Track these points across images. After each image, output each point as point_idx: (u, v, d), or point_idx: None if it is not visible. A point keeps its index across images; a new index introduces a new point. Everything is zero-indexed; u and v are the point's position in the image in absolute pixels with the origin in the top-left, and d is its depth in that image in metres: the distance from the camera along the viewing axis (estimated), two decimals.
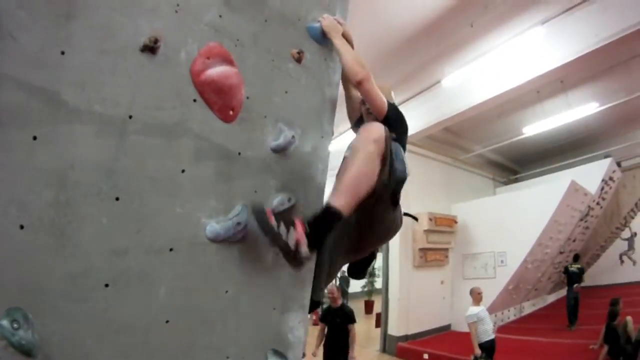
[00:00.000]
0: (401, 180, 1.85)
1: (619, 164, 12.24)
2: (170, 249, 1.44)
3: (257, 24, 1.90)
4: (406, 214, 2.23)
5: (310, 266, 1.94)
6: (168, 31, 1.53)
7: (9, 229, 1.13)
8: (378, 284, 15.44)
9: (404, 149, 2.20)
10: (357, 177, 1.67)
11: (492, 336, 6.35)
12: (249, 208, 1.64)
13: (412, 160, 9.62)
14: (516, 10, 6.63)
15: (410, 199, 10.04)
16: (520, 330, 9.89)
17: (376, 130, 1.74)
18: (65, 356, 1.19)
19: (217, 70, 1.63)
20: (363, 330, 12.81)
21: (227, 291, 1.60)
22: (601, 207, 11.58)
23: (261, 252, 1.75)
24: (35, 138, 1.19)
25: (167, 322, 1.41)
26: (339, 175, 1.75)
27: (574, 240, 11.44)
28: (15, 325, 1.09)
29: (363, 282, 17.47)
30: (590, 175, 10.43)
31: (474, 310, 6.47)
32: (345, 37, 2.25)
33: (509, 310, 11.33)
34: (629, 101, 8.77)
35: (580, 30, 6.14)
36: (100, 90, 1.34)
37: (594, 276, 14.62)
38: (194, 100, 1.57)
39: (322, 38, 2.22)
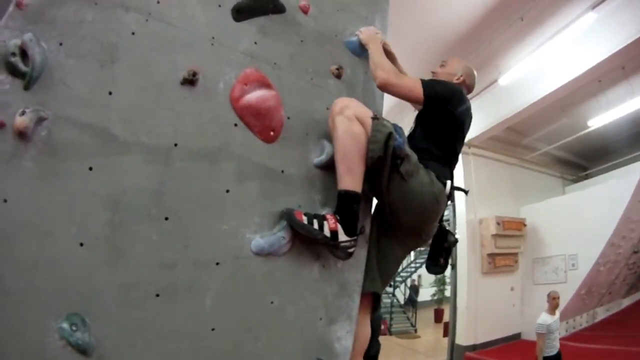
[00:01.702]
0: (396, 149, 1.77)
1: None
2: (217, 263, 1.57)
3: (293, 46, 2.02)
4: (457, 188, 2.19)
5: (357, 276, 2.00)
6: (205, 63, 1.70)
7: (70, 246, 1.33)
8: (448, 292, 15.18)
9: (458, 124, 2.16)
10: (343, 153, 1.76)
11: (556, 349, 5.84)
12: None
13: (477, 163, 9.57)
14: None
15: (476, 203, 9.86)
16: (593, 339, 9.29)
17: (335, 105, 1.83)
18: (117, 357, 1.35)
19: (255, 95, 1.76)
20: (431, 339, 12.67)
21: (272, 302, 1.70)
22: None
23: (307, 265, 1.83)
24: (90, 168, 1.40)
25: (212, 329, 1.53)
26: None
27: None
28: (74, 328, 1.28)
29: (433, 290, 17.22)
30: None
31: (546, 319, 5.81)
32: (384, 46, 2.30)
33: (581, 317, 10.70)
34: None
35: (634, 11, 5.86)
36: (146, 123, 1.53)
37: None
38: (235, 125, 1.71)
39: (361, 51, 2.27)
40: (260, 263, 1.67)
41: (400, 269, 18.03)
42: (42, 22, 1.40)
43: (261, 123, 1.77)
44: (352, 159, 1.75)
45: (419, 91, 2.07)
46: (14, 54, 1.32)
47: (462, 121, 2.18)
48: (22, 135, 1.30)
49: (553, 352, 5.75)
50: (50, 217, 1.31)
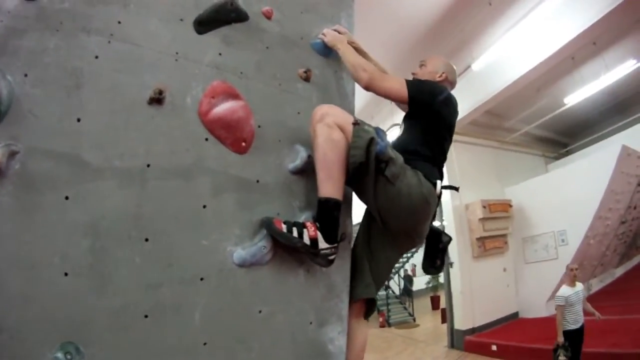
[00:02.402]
0: (379, 153, 1.77)
1: None
2: (201, 278, 1.58)
3: (258, 53, 2.02)
4: (447, 187, 2.21)
5: (344, 276, 2.03)
6: (171, 80, 1.69)
7: (55, 277, 1.32)
8: (442, 278, 15.30)
9: (446, 123, 2.19)
10: (323, 160, 1.76)
11: (578, 325, 5.59)
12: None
13: (459, 149, 9.65)
14: None
15: (461, 189, 9.87)
16: (589, 311, 9.51)
17: (315, 114, 1.83)
18: None
19: (223, 108, 1.76)
20: (430, 327, 12.77)
21: (260, 311, 1.71)
22: None
23: (292, 271, 1.85)
24: (67, 198, 1.39)
25: (204, 344, 1.54)
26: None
27: (635, 208, 10.83)
28: (69, 357, 1.29)
29: (427, 278, 17.34)
30: None
31: (564, 291, 5.69)
32: (353, 45, 2.32)
33: None
34: None
35: None
36: (117, 147, 1.52)
37: None
38: (206, 139, 1.71)
39: (329, 51, 2.28)
40: (244, 274, 1.68)
41: None
42: (5, 54, 1.39)
43: (232, 135, 1.77)
44: (332, 166, 1.76)
45: (404, 92, 2.08)
46: None
47: (449, 120, 2.20)
48: None
49: (576, 325, 5.58)
50: (33, 250, 1.31)
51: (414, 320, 14.33)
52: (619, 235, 10.87)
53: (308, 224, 1.74)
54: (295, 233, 1.70)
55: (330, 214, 1.75)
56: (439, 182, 2.00)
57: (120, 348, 1.38)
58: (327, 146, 1.75)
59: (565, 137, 14.67)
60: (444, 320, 10.53)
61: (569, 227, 9.47)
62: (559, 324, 5.56)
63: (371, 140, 1.75)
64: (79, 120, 1.47)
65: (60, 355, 1.28)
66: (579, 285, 5.74)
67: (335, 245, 1.78)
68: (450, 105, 2.21)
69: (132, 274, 1.44)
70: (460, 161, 10.16)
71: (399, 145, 2.12)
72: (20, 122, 1.37)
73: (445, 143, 2.19)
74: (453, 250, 9.70)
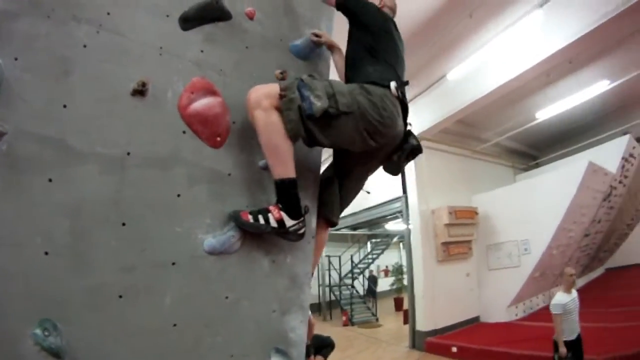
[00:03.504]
0: (310, 115, 1.82)
1: (638, 140, 12.04)
2: (173, 263, 1.66)
3: (238, 52, 2.11)
4: (404, 83, 2.24)
5: (305, 269, 2.15)
6: (155, 73, 1.76)
7: (35, 256, 1.38)
8: (406, 280, 15.56)
9: (380, 26, 2.30)
10: (268, 145, 1.82)
11: (575, 335, 5.33)
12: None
13: (428, 156, 9.86)
14: None
15: (429, 194, 10.18)
16: (550, 317, 9.77)
17: (249, 100, 1.83)
18: (88, 357, 1.43)
19: (201, 103, 1.85)
20: (393, 327, 13.00)
21: (227, 297, 1.81)
22: (624, 186, 11.32)
23: (258, 260, 1.95)
24: (50, 180, 1.45)
25: (174, 325, 1.63)
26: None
27: (599, 222, 11.27)
28: (46, 333, 1.34)
29: (391, 280, 17.65)
30: (609, 154, 10.22)
31: (561, 298, 5.39)
32: (332, 46, 2.46)
33: (537, 298, 11.30)
34: None
35: (581, 8, 6.17)
36: (101, 134, 1.59)
37: (624, 256, 14.40)
38: (184, 132, 1.80)
39: (308, 53, 2.38)
40: (213, 261, 1.77)
41: (357, 260, 18.36)
42: None
43: (208, 129, 1.86)
44: (278, 148, 1.82)
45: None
46: None
47: (383, 23, 2.32)
48: None
49: (572, 336, 5.31)
50: (16, 229, 1.36)
51: (377, 320, 14.55)
52: (582, 247, 11.31)
53: (271, 207, 1.84)
54: (262, 220, 1.80)
55: (288, 193, 1.84)
56: (392, 83, 2.06)
57: (95, 326, 1.46)
58: (269, 131, 1.80)
59: (534, 150, 15.13)
60: (406, 322, 10.72)
61: (533, 236, 9.78)
62: (558, 334, 5.28)
63: (299, 108, 1.81)
64: (65, 106, 1.52)
65: (38, 331, 1.33)
66: (574, 292, 5.54)
67: (302, 219, 1.88)
68: (381, 15, 2.37)
69: (108, 256, 1.52)
70: (430, 167, 10.43)
71: (347, 57, 2.32)
72: (9, 105, 1.41)
73: (389, 42, 2.29)
74: (418, 252, 10.00)
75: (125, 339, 1.51)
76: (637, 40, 8.35)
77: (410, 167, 10.18)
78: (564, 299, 5.34)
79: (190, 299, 1.69)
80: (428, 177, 10.36)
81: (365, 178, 2.42)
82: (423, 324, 9.65)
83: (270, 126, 1.80)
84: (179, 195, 1.73)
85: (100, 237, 1.51)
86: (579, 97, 8.93)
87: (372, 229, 18.61)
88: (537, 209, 9.58)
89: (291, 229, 1.85)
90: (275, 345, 1.94)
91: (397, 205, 10.97)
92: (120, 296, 1.52)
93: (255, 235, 1.88)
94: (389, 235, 18.87)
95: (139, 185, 1.63)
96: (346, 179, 2.33)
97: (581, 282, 14.05)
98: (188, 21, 1.93)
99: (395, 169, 2.31)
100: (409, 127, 2.24)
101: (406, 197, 10.51)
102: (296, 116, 1.80)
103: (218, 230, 1.81)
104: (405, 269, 16.35)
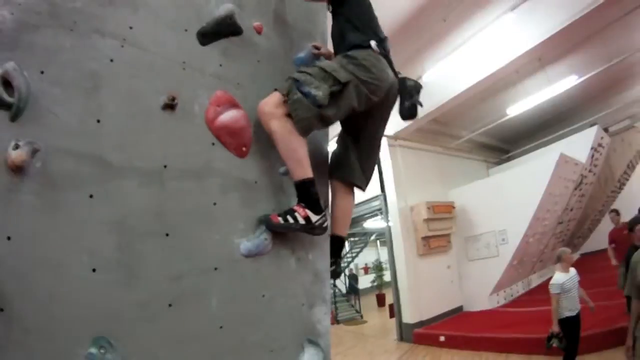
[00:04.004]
0: (315, 100, 1.92)
1: (606, 130, 12.50)
2: (215, 268, 1.74)
3: (252, 66, 2.18)
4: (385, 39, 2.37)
5: (325, 264, 2.27)
6: (180, 87, 1.81)
7: (84, 274, 1.38)
8: (387, 277, 15.74)
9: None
10: (286, 151, 1.94)
11: (575, 311, 5.30)
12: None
13: (405, 154, 10.09)
14: (484, 0, 6.97)
15: (406, 191, 10.38)
16: (530, 302, 10.19)
17: (262, 113, 1.94)
18: None
19: (227, 116, 1.93)
20: (378, 322, 13.18)
21: (263, 295, 1.91)
22: (594, 174, 11.81)
23: (286, 259, 2.05)
24: (91, 196, 1.46)
25: (220, 327, 1.71)
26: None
27: (572, 209, 11.70)
28: (102, 351, 1.35)
29: (372, 277, 17.83)
30: (579, 145, 10.70)
31: (559, 278, 5.37)
32: (330, 55, 2.53)
33: (517, 285, 11.63)
34: (606, 69, 9.02)
35: (550, 10, 6.46)
36: (137, 148, 1.62)
37: (597, 241, 14.89)
38: (213, 144, 1.87)
39: (310, 65, 2.46)
40: (249, 263, 1.87)
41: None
42: (18, 48, 1.39)
43: (235, 141, 1.94)
44: (296, 152, 1.93)
45: None
46: None
47: None
48: (18, 169, 1.29)
49: (573, 312, 5.28)
50: (60, 248, 1.34)
51: (362, 317, 14.67)
52: (557, 234, 11.72)
53: (296, 207, 1.95)
54: (291, 220, 1.91)
55: (309, 192, 1.96)
56: (372, 42, 2.19)
57: (148, 337, 1.49)
58: (287, 138, 1.91)
59: (506, 144, 15.55)
60: (392, 315, 10.89)
61: (509, 227, 10.08)
62: (554, 312, 5.30)
63: (304, 105, 1.90)
64: (99, 121, 1.53)
65: (94, 350, 1.33)
66: (573, 271, 5.53)
67: (324, 213, 2.01)
68: None
69: (156, 267, 1.56)
70: (406, 165, 10.68)
71: (332, 37, 2.43)
72: (40, 120, 1.39)
73: (361, 8, 2.39)
74: (399, 248, 10.19)
75: (177, 346, 1.56)
76: (602, 37, 8.80)
77: (387, 166, 10.46)
78: (561, 278, 5.38)
79: (233, 300, 1.77)
80: (405, 174, 10.57)
81: (379, 133, 2.47)
82: (409, 316, 9.83)
83: (288, 134, 1.91)
84: (214, 204, 1.81)
85: (146, 249, 1.55)
86: (549, 92, 9.22)
87: (350, 228, 18.63)
88: (512, 200, 9.87)
89: (317, 223, 1.96)
90: (307, 337, 2.05)
91: (376, 203, 11.14)
92: (170, 305, 1.57)
93: (280, 236, 1.99)
94: (367, 234, 19.06)
95: (178, 196, 1.69)
96: (360, 140, 2.39)
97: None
98: (206, 36, 1.98)
99: (412, 111, 2.39)
100: (400, 75, 2.37)
101: (385, 195, 10.69)
102: (306, 113, 1.90)
103: (250, 234, 1.90)
104: (384, 266, 16.64)
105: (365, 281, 19.22)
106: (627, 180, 14.58)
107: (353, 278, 18.47)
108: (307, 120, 1.92)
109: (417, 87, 2.39)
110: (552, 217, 10.57)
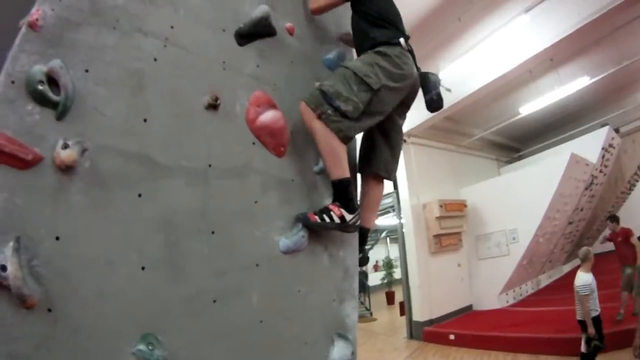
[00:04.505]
0: (346, 114, 1.96)
1: (617, 130, 12.46)
2: (257, 265, 1.80)
3: (286, 67, 2.21)
4: (407, 37, 2.38)
5: (354, 261, 2.35)
6: (222, 87, 1.84)
7: (133, 272, 1.41)
8: (397, 274, 15.74)
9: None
10: (327, 150, 1.98)
11: (599, 311, 5.31)
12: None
13: (418, 152, 10.12)
14: (499, 1, 7.06)
15: (419, 189, 10.40)
16: (539, 302, 10.25)
17: (306, 113, 1.99)
18: None
19: (267, 116, 1.97)
20: (387, 320, 13.20)
21: (299, 290, 1.97)
22: (604, 175, 11.76)
23: (319, 256, 2.11)
24: (140, 195, 1.48)
25: (260, 322, 1.77)
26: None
27: (582, 210, 11.68)
28: (151, 347, 1.39)
29: (382, 274, 17.81)
30: (590, 145, 10.64)
31: (587, 278, 5.31)
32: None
33: (526, 285, 11.65)
34: (617, 71, 9.05)
35: (563, 12, 6.47)
36: (182, 148, 1.65)
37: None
38: (253, 144, 1.92)
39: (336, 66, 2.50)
40: (287, 259, 1.93)
41: None
42: (61, 46, 1.37)
43: (275, 140, 1.99)
44: (335, 152, 1.98)
45: None
46: (41, 82, 1.29)
47: None
48: (68, 169, 1.30)
49: (598, 311, 5.31)
50: (109, 247, 1.36)
51: (371, 314, 14.68)
52: (567, 234, 11.71)
53: (331, 206, 2.00)
54: (327, 219, 1.96)
55: (345, 191, 2.01)
56: (401, 39, 2.25)
57: (193, 333, 1.53)
58: (328, 137, 1.96)
59: (517, 142, 15.52)
60: (402, 313, 10.92)
61: (520, 226, 10.09)
62: (587, 314, 5.23)
63: (336, 119, 1.95)
64: (145, 120, 1.54)
65: (142, 347, 1.36)
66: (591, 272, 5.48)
67: (358, 211, 2.06)
68: None
69: (202, 264, 1.61)
70: (419, 163, 10.69)
71: (354, 30, 2.45)
72: (86, 119, 1.39)
73: (382, 5, 2.40)
74: (411, 245, 10.21)
75: (221, 340, 1.61)
76: (613, 39, 8.82)
77: (400, 164, 10.35)
78: (589, 278, 5.33)
79: (272, 296, 1.83)
80: (417, 172, 10.59)
81: (402, 123, 2.51)
82: (419, 314, 9.86)
83: (327, 133, 1.95)
84: (255, 202, 1.86)
85: (193, 247, 1.59)
86: (560, 92, 9.26)
87: None
88: (523, 199, 9.88)
89: (351, 222, 2.01)
90: (336, 331, 2.11)
91: (389, 201, 11.16)
92: (215, 301, 1.62)
93: (314, 234, 2.03)
94: (377, 231, 19.09)
95: (222, 195, 1.73)
96: (387, 132, 2.41)
97: (567, 267, 14.56)
98: (243, 37, 2.01)
99: (437, 103, 2.45)
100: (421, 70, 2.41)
101: (397, 193, 10.72)
102: (340, 126, 1.95)
103: (288, 232, 1.95)
104: (394, 263, 16.62)
105: (375, 278, 19.20)
106: (638, 181, 14.51)
107: (363, 275, 18.48)
108: (343, 133, 1.97)
109: (438, 81, 2.45)
110: (563, 217, 10.56)
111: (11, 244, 1.16)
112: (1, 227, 1.16)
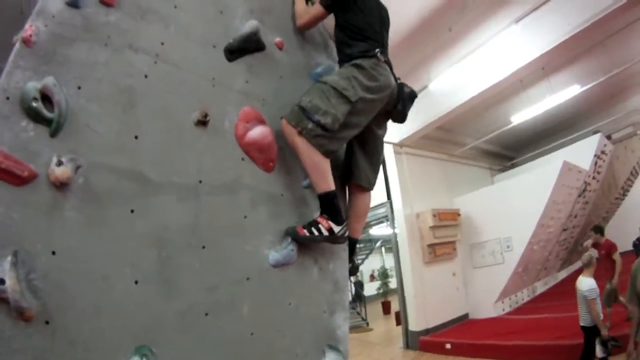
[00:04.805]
0: (325, 127, 1.99)
1: (609, 137, 12.61)
2: (247, 278, 1.83)
3: (275, 82, 2.25)
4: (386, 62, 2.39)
5: (344, 274, 2.37)
6: (211, 104, 1.87)
7: (126, 286, 1.44)
8: (392, 284, 15.72)
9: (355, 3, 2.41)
10: (311, 165, 2.03)
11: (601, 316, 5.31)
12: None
13: (411, 161, 10.17)
14: (489, 12, 7.14)
15: (412, 199, 10.44)
16: (535, 310, 10.25)
17: (287, 130, 2.04)
18: None
19: (256, 132, 2.00)
20: (384, 330, 13.19)
21: (290, 303, 2.00)
22: (597, 181, 11.85)
23: (309, 268, 2.14)
24: (132, 211, 1.51)
25: (251, 334, 1.79)
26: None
27: (576, 216, 11.74)
28: (145, 359, 1.41)
29: (377, 284, 17.79)
30: (582, 152, 10.74)
31: (592, 282, 5.31)
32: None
33: (522, 292, 11.66)
34: (608, 78, 9.13)
35: (553, 22, 6.56)
36: (174, 164, 1.68)
37: None
38: (242, 159, 1.95)
39: None
40: (277, 273, 1.96)
41: None
42: (54, 62, 1.40)
43: (264, 156, 2.03)
44: (319, 167, 2.03)
45: (319, 7, 2.42)
46: (36, 99, 1.31)
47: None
48: (62, 185, 1.32)
49: (601, 316, 5.30)
50: (103, 262, 1.39)
51: (367, 324, 14.64)
52: (561, 241, 11.76)
53: (319, 219, 2.04)
54: (315, 232, 2.00)
55: (331, 204, 2.05)
56: (377, 50, 2.28)
57: (186, 344, 1.56)
58: (310, 153, 2.00)
59: (510, 151, 15.62)
60: (398, 323, 10.87)
61: (514, 234, 10.12)
62: (597, 317, 5.22)
63: (316, 133, 1.98)
64: (136, 137, 1.57)
65: (137, 359, 1.38)
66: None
67: (345, 223, 2.09)
68: None
69: (194, 278, 1.63)
70: (412, 172, 10.73)
71: (338, 42, 2.47)
72: (79, 136, 1.41)
73: (364, 16, 2.41)
74: (405, 255, 10.20)
75: (213, 352, 1.64)
76: (603, 47, 8.96)
77: (393, 173, 10.49)
78: (593, 282, 5.32)
79: (263, 308, 1.86)
80: (411, 181, 10.62)
81: (382, 132, 2.52)
82: (415, 324, 9.82)
83: (309, 149, 1.99)
84: (245, 217, 1.89)
85: (185, 262, 1.62)
86: (552, 101, 9.33)
87: None
88: (516, 207, 9.92)
89: (339, 233, 2.05)
90: (327, 342, 2.13)
91: (382, 210, 11.16)
92: (207, 314, 1.65)
93: (304, 247, 2.07)
94: (372, 240, 19.08)
95: (212, 210, 1.77)
96: (365, 141, 2.42)
97: (563, 274, 14.59)
98: (233, 52, 2.04)
99: (402, 117, 2.46)
100: (399, 81, 2.42)
101: (391, 203, 10.74)
102: (321, 140, 2.00)
103: (277, 246, 1.98)
104: (390, 273, 16.61)
105: (370, 288, 19.15)
106: (631, 187, 14.67)
107: (358, 285, 18.45)
108: (324, 147, 2.01)
109: (412, 95, 2.47)
110: (557, 225, 10.62)
111: (9, 258, 1.18)
112: None
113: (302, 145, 1.99)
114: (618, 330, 5.97)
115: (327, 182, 2.05)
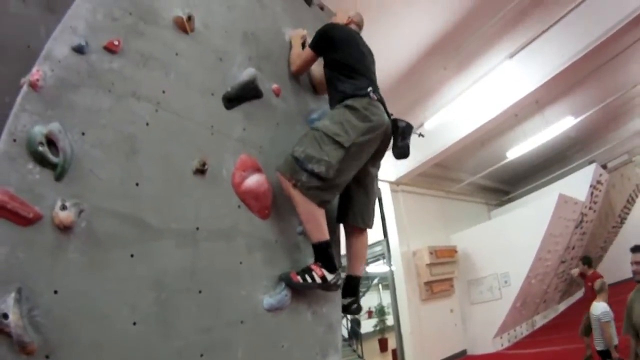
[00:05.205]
0: (320, 176, 2.05)
1: (604, 167, 12.69)
2: (241, 322, 1.89)
3: (271, 130, 2.34)
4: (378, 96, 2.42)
5: (337, 317, 2.43)
6: (209, 152, 1.94)
7: (125, 327, 1.48)
8: (389, 321, 15.53)
9: (343, 41, 2.50)
10: (306, 216, 2.10)
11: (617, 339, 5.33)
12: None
13: (408, 199, 10.23)
14: (484, 49, 7.32)
15: (409, 236, 10.45)
16: (535, 344, 10.14)
17: (284, 180, 2.11)
18: None
19: (252, 180, 2.09)
20: None
21: (283, 346, 2.06)
22: (594, 211, 11.80)
23: (302, 312, 2.21)
24: (132, 255, 1.55)
25: None
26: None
27: (573, 248, 11.67)
28: None
29: (374, 321, 17.58)
30: (578, 183, 10.83)
31: (604, 306, 5.41)
32: (304, 39, 2.69)
33: (521, 327, 11.52)
34: (602, 108, 9.34)
35: (547, 55, 6.76)
36: (172, 211, 1.74)
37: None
38: (239, 207, 2.03)
39: None
40: (271, 317, 2.02)
41: None
42: (60, 107, 1.44)
43: (259, 204, 2.12)
44: (314, 217, 2.10)
45: (308, 50, 2.51)
46: (42, 143, 1.34)
47: (346, 37, 2.53)
48: (65, 228, 1.36)
49: (616, 340, 5.33)
50: (103, 302, 1.43)
51: None
52: (559, 274, 11.68)
53: (313, 266, 2.10)
54: (309, 279, 2.06)
55: (325, 252, 2.11)
56: (369, 89, 2.31)
57: None
58: (307, 203, 2.07)
59: (506, 185, 15.68)
60: None
61: (511, 269, 10.08)
62: (609, 339, 5.30)
63: (311, 184, 2.05)
64: (137, 184, 1.62)
65: None
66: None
67: (338, 271, 2.14)
68: (342, 30, 2.59)
69: (190, 320, 1.69)
70: (409, 210, 10.76)
71: (328, 82, 2.53)
72: (83, 181, 1.45)
73: (356, 55, 2.50)
74: (402, 292, 10.09)
75: None
76: (595, 78, 9.13)
77: (389, 211, 10.52)
78: (607, 307, 5.41)
79: (256, 351, 1.92)
80: (407, 219, 10.64)
81: (376, 171, 2.58)
82: None
83: (305, 201, 2.07)
84: (241, 263, 1.96)
85: (181, 304, 1.67)
86: (547, 134, 9.48)
87: None
88: (513, 242, 9.92)
89: (332, 281, 2.10)
90: None
91: (379, 248, 11.11)
92: (202, 355, 1.69)
93: (298, 291, 2.13)
94: (369, 278, 18.93)
95: (209, 256, 1.83)
96: (361, 181, 2.46)
97: (562, 306, 14.44)
98: (231, 100, 2.11)
99: (403, 151, 2.48)
100: (392, 117, 2.46)
101: (387, 241, 10.71)
102: (316, 192, 2.07)
103: (272, 291, 2.05)
104: (387, 310, 16.43)
105: (367, 325, 18.90)
106: (628, 214, 14.59)
107: (355, 322, 18.20)
108: (319, 198, 2.09)
109: (409, 128, 2.49)
110: (554, 257, 10.59)
111: (13, 294, 1.21)
112: (4, 278, 1.22)
113: (298, 197, 2.06)
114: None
115: (322, 232, 2.11)
